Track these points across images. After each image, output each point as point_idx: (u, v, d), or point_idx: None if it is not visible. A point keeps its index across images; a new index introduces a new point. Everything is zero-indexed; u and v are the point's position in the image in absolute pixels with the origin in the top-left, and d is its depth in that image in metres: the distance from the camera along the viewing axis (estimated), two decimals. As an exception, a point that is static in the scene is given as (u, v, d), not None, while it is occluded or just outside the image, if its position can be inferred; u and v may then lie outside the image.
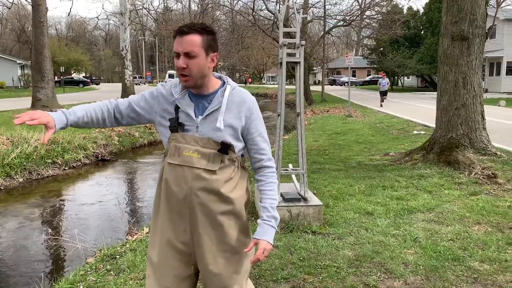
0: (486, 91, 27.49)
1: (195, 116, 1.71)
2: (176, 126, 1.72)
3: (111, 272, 3.42)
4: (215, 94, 1.74)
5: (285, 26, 4.54)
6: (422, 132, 10.65)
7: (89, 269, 3.57)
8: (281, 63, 4.33)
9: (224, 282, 1.74)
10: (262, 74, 69.37)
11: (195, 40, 1.63)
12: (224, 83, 1.78)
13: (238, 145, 1.76)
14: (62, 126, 1.69)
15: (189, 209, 1.71)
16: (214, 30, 1.71)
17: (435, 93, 7.95)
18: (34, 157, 8.72)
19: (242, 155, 1.81)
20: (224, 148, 1.69)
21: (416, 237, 3.79)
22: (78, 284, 3.25)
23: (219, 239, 1.74)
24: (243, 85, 62.91)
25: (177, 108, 1.74)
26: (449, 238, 3.74)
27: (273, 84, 64.48)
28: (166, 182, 1.73)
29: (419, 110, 16.75)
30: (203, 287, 1.81)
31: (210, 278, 1.74)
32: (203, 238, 1.72)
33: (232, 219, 1.76)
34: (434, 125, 7.22)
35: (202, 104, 1.73)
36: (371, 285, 2.96)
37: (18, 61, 38.92)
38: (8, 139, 9.12)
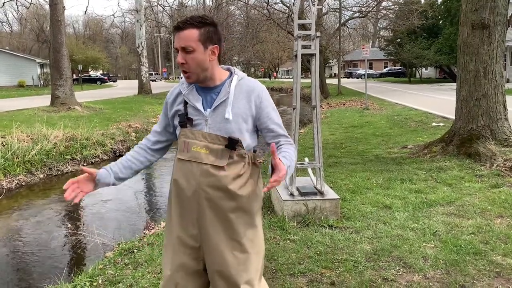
0: (508, 81, 26.76)
1: (204, 110, 1.70)
2: (185, 121, 1.71)
3: (129, 266, 3.46)
4: (222, 85, 1.71)
5: (300, 18, 4.48)
6: (441, 124, 10.44)
7: (107, 263, 3.62)
8: (296, 56, 4.28)
9: (231, 279, 1.68)
10: (277, 68, 69.10)
11: (191, 35, 1.61)
12: (231, 74, 1.76)
13: (249, 139, 1.72)
14: (105, 176, 1.78)
15: (197, 204, 1.69)
16: (214, 22, 1.67)
17: (454, 84, 7.75)
18: (54, 153, 8.89)
19: (254, 151, 1.77)
20: (232, 143, 1.65)
21: (436, 230, 3.72)
22: (97, 277, 3.30)
23: (227, 236, 1.70)
24: (267, 79, 62.83)
25: (186, 103, 1.73)
26: (470, 232, 3.66)
27: (289, 78, 64.15)
28: (176, 179, 1.73)
29: (438, 101, 16.43)
30: (211, 284, 1.78)
31: (217, 274, 1.71)
32: (211, 234, 1.70)
33: (241, 216, 1.71)
34: (453, 117, 7.06)
35: (210, 97, 1.71)
36: (389, 279, 2.91)
37: (37, 60, 39.63)
38: (29, 136, 9.32)
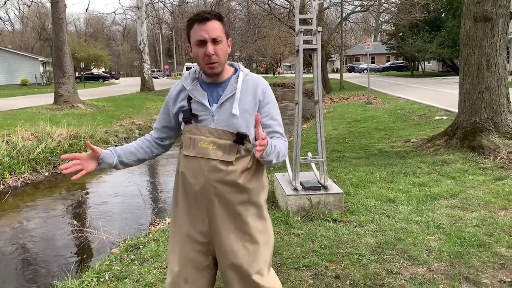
0: (511, 73, 26.62)
1: (210, 105, 1.71)
2: (189, 117, 1.72)
3: (135, 261, 3.49)
4: (228, 81, 1.73)
5: (301, 13, 4.48)
6: (444, 118, 10.41)
7: (114, 259, 3.66)
8: (298, 51, 4.28)
9: (243, 271, 1.72)
10: (279, 64, 68.94)
11: (218, 26, 1.65)
12: (236, 70, 1.78)
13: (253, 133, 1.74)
14: (109, 156, 1.78)
15: (206, 200, 1.71)
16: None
17: (457, 77, 7.72)
18: (58, 151, 8.94)
19: None
20: (240, 138, 1.67)
21: (440, 223, 3.73)
22: (104, 273, 3.33)
23: (237, 229, 1.73)
24: (270, 75, 62.71)
25: (189, 99, 1.74)
26: (474, 224, 3.67)
27: (291, 73, 63.98)
28: (183, 175, 1.74)
29: (441, 95, 16.38)
30: (222, 277, 1.81)
31: (229, 267, 1.73)
32: (222, 228, 1.72)
33: (250, 209, 1.75)
34: (456, 110, 7.05)
35: (216, 92, 1.72)
36: (394, 272, 2.93)
37: (40, 59, 39.67)
38: (33, 134, 9.36)
